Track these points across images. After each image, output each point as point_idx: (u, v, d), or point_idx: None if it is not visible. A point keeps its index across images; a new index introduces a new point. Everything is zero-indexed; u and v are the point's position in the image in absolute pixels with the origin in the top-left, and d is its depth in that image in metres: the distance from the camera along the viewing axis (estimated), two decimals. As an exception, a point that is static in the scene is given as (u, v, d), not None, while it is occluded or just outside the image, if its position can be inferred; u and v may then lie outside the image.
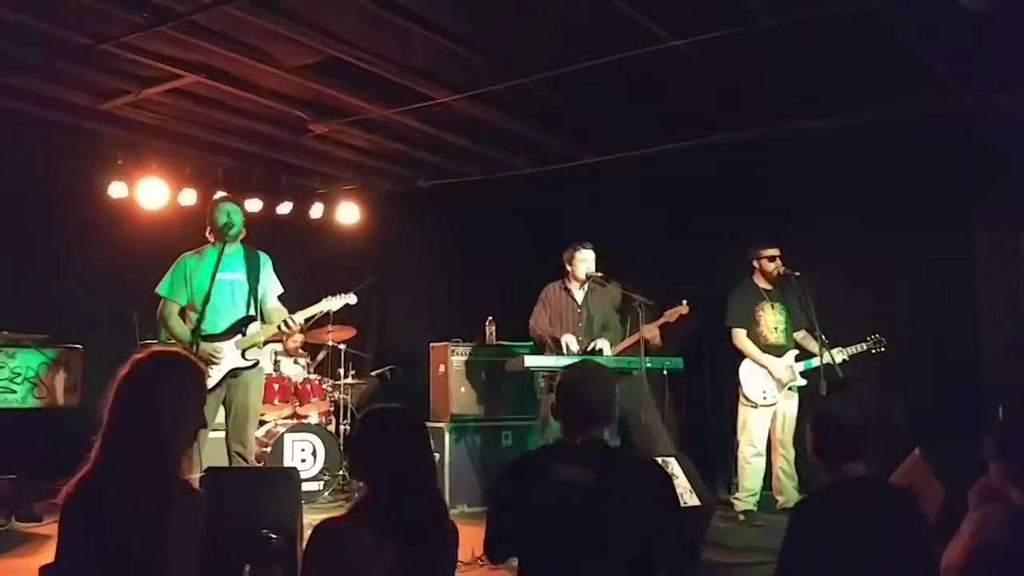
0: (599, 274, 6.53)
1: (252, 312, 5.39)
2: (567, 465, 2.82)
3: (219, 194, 5.78)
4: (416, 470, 2.63)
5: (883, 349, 6.20)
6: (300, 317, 5.45)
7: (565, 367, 3.27)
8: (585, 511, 2.76)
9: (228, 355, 5.28)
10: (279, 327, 5.41)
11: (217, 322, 5.30)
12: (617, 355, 6.50)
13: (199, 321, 5.08)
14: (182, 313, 5.39)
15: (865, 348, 6.23)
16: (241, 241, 5.51)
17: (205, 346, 5.18)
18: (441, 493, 2.76)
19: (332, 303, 5.59)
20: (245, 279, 5.39)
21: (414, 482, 2.60)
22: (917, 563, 2.83)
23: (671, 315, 6.86)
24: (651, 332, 6.92)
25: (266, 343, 5.49)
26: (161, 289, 5.40)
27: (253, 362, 5.37)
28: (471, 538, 2.87)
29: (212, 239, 5.46)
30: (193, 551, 2.40)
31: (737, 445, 6.56)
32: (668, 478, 3.03)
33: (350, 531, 2.51)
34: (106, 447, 2.44)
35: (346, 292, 5.65)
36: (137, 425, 2.44)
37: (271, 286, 5.58)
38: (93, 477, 2.41)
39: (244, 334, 5.31)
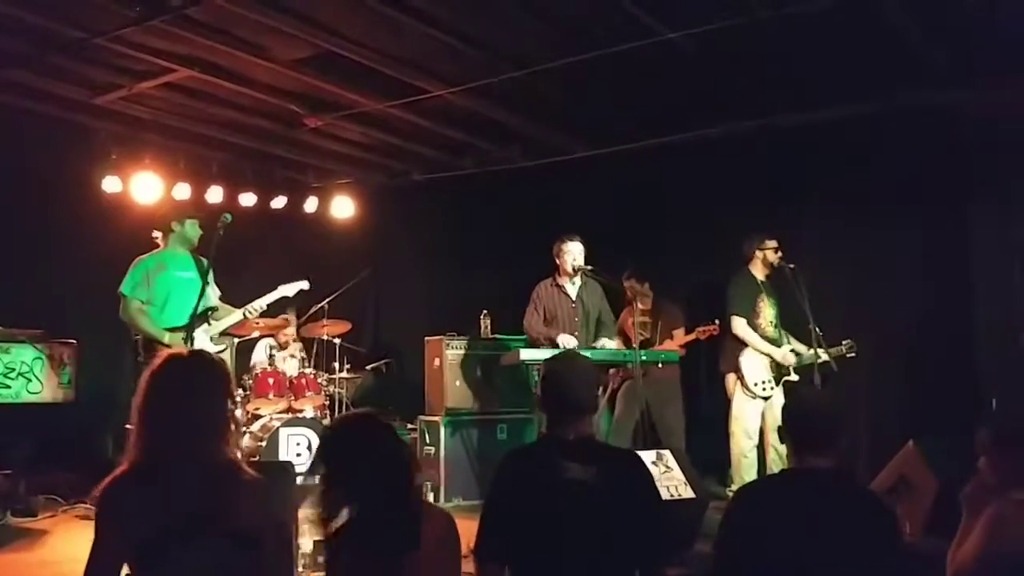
0: (589, 267, 6.51)
1: (210, 305, 5.91)
2: (574, 463, 2.81)
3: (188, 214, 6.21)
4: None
5: (854, 354, 6.26)
6: (260, 303, 6.05)
7: (548, 360, 3.24)
8: (592, 509, 2.77)
9: (199, 341, 5.71)
10: (244, 315, 6.02)
11: (179, 316, 5.76)
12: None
13: (193, 315, 5.51)
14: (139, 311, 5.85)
15: (843, 351, 6.28)
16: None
17: (174, 337, 5.64)
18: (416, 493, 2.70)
19: (287, 289, 6.19)
20: (197, 277, 5.87)
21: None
22: (874, 566, 2.69)
23: (701, 333, 6.97)
24: (680, 340, 7.02)
25: (224, 333, 6.14)
26: (124, 289, 5.83)
27: (223, 347, 5.96)
28: (465, 532, 2.85)
29: (163, 244, 6.06)
30: (275, 541, 2.43)
31: (731, 436, 6.56)
32: (649, 472, 3.07)
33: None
34: (148, 445, 2.45)
35: (300, 280, 6.27)
36: (177, 421, 2.46)
37: (214, 286, 6.11)
38: (142, 473, 2.41)
39: (210, 323, 5.85)
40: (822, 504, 2.77)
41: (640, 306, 6.84)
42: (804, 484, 2.88)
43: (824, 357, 6.16)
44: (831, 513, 2.74)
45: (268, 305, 6.27)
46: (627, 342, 6.88)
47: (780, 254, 6.54)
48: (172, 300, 5.82)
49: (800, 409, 3.04)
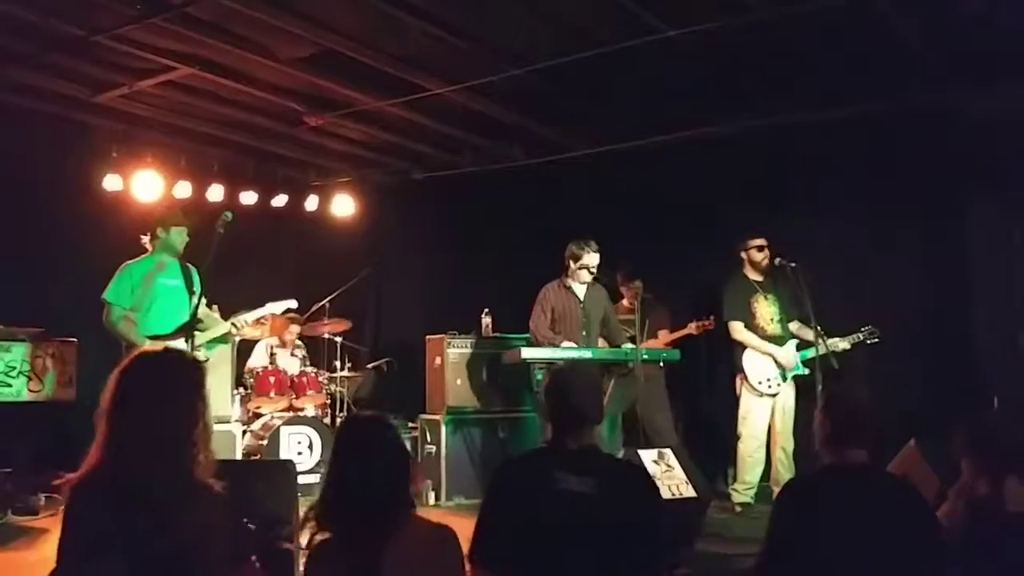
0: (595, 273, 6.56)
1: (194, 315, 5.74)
2: (569, 474, 2.81)
3: (173, 214, 6.16)
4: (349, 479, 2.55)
5: (877, 340, 6.26)
6: (249, 318, 5.96)
7: (553, 370, 3.25)
8: (587, 520, 2.77)
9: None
10: (233, 326, 5.90)
11: (164, 323, 5.69)
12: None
13: (193, 318, 5.45)
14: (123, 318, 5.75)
15: (861, 338, 6.28)
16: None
17: (155, 346, 5.48)
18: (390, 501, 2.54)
19: (274, 307, 6.08)
20: (183, 286, 5.82)
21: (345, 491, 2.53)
22: (915, 556, 2.77)
23: (696, 328, 6.97)
24: (665, 339, 7.01)
25: (214, 341, 6.03)
26: (108, 295, 5.72)
27: (204, 359, 5.69)
28: (465, 530, 2.85)
29: (151, 248, 5.95)
30: (222, 555, 2.35)
31: (739, 437, 6.56)
32: (654, 483, 3.09)
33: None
34: (110, 445, 2.39)
35: (287, 298, 6.15)
36: (143, 423, 2.39)
37: (201, 295, 6.01)
38: (100, 474, 2.36)
39: (193, 334, 5.61)
40: (866, 498, 2.85)
41: (627, 304, 6.88)
42: (845, 479, 2.95)
43: (844, 345, 6.20)
44: (875, 507, 2.82)
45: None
46: (610, 341, 6.86)
47: (765, 252, 6.56)
48: (155, 307, 5.74)
49: (842, 404, 3.08)
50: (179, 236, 5.91)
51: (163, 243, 5.91)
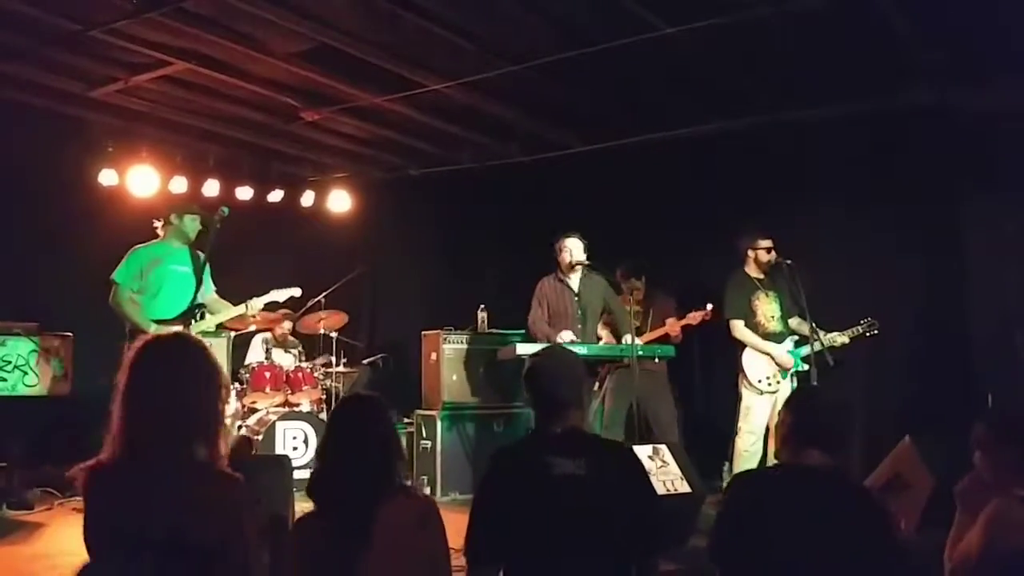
0: (587, 263, 6.55)
1: (200, 301, 5.87)
2: (562, 458, 2.81)
3: (190, 206, 6.26)
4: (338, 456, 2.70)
5: (876, 332, 6.27)
6: (259, 303, 6.07)
7: (531, 357, 3.22)
8: (584, 502, 2.77)
9: None
10: (245, 308, 6.01)
11: (170, 308, 5.79)
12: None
13: (189, 310, 5.60)
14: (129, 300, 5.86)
15: (860, 331, 6.29)
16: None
17: (160, 329, 5.56)
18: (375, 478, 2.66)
19: (278, 294, 6.24)
20: (192, 273, 5.90)
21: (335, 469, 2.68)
22: (863, 563, 2.70)
23: (694, 318, 6.96)
24: (674, 329, 6.99)
25: (219, 326, 6.22)
26: (117, 276, 5.83)
27: (210, 343, 5.73)
28: (462, 526, 2.85)
29: (163, 234, 6.06)
30: (250, 545, 2.35)
31: (738, 432, 6.57)
32: (641, 463, 3.09)
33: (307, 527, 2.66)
34: (127, 432, 2.35)
35: (291, 287, 6.33)
36: (157, 408, 2.36)
37: (210, 282, 6.11)
38: (117, 464, 2.34)
39: (197, 319, 5.80)
40: (812, 500, 2.78)
41: (632, 297, 6.89)
42: (795, 479, 2.89)
43: (843, 339, 6.23)
44: (821, 509, 2.75)
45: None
46: (616, 333, 6.88)
47: (773, 254, 6.55)
48: (164, 293, 5.84)
49: (805, 404, 3.04)
50: (192, 224, 6.02)
51: (175, 230, 6.02)
